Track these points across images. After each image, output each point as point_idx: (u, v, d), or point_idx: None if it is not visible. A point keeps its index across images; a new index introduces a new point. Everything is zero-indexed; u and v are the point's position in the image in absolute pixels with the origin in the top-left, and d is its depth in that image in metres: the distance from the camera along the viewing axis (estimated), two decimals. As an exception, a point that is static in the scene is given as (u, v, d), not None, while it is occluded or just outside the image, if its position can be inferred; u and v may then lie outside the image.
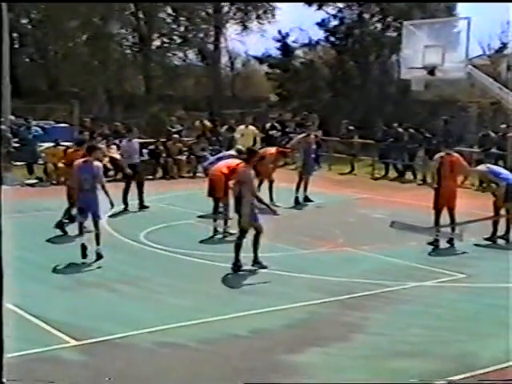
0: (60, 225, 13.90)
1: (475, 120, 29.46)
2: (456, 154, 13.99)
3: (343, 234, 14.10)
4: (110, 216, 15.37)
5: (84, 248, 11.72)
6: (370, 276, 11.20)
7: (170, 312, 9.39)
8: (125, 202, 16.77)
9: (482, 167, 14.48)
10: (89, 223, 12.16)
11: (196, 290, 10.47)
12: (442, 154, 13.99)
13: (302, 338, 8.53)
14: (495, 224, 13.76)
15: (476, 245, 13.42)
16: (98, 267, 11.62)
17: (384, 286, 10.66)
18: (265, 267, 11.29)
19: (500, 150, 21.54)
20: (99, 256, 11.83)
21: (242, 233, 11.26)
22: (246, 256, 11.48)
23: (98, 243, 11.90)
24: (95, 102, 33.97)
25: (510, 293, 9.93)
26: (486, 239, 13.65)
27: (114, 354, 7.93)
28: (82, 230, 12.10)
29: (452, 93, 32.07)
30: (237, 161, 13.34)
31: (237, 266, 11.25)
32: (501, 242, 13.73)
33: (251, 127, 23.93)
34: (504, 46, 37.81)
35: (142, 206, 17.07)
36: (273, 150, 18.23)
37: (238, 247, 11.23)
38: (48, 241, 13.29)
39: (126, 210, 16.71)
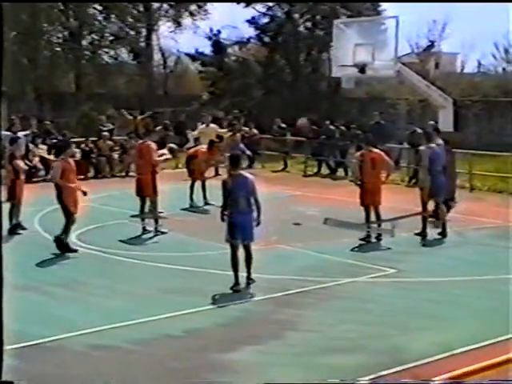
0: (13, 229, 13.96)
1: (404, 117, 29.98)
2: (377, 151, 14.04)
3: (276, 232, 14.14)
4: (41, 217, 15.18)
5: None
6: (303, 273, 11.29)
7: (103, 314, 9.29)
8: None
9: (425, 148, 14.01)
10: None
11: (129, 291, 10.38)
12: (363, 151, 14.13)
13: (236, 337, 8.55)
14: (424, 219, 13.98)
15: (407, 240, 13.62)
16: (30, 270, 11.41)
17: (317, 283, 10.76)
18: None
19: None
20: None
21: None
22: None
23: None
24: (23, 100, 33.31)
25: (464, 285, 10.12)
26: (417, 234, 13.87)
27: (45, 357, 7.81)
28: None
29: (381, 90, 32.59)
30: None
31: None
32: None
33: (212, 125, 22.41)
34: (432, 44, 38.66)
35: None
36: (204, 148, 18.17)
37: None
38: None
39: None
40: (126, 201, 16.98)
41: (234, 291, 10.23)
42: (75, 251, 12.47)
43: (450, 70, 39.25)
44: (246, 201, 10.27)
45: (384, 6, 37.24)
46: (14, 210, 14.04)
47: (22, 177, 14.46)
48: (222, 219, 10.58)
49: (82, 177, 22.58)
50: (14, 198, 14.06)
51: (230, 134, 19.33)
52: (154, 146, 14.73)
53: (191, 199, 17.17)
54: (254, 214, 10.36)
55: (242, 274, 10.44)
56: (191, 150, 18.62)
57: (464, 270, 11.50)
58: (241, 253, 10.44)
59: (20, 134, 19.24)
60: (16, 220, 14.09)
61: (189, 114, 30.49)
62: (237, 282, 10.32)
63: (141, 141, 15.36)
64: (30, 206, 14.78)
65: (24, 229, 14.15)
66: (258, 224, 10.45)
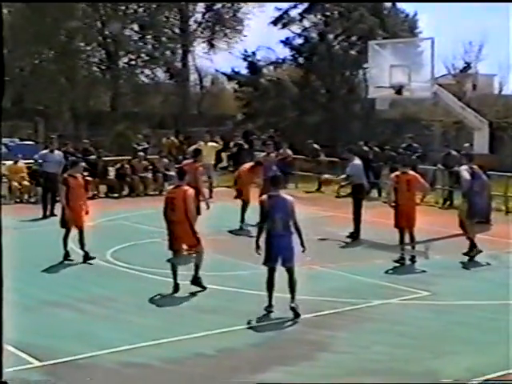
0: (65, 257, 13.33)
1: (439, 138, 29.81)
2: (412, 173, 14.03)
3: (310, 252, 14.05)
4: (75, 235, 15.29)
5: None
6: (336, 294, 11.24)
7: (136, 331, 9.33)
8: (44, 208, 18.52)
9: (466, 174, 14.01)
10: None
11: (161, 309, 10.44)
12: (397, 172, 14.07)
13: (268, 357, 8.53)
14: (469, 238, 13.81)
15: (441, 262, 13.51)
16: (63, 287, 11.52)
17: (350, 304, 10.71)
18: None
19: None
20: None
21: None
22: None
23: None
24: (60, 119, 33.75)
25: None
26: (467, 254, 13.68)
27: (78, 374, 7.86)
28: None
29: (416, 111, 32.47)
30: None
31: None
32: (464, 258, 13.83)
33: (210, 144, 23.23)
34: (468, 65, 38.51)
35: (52, 213, 18.27)
36: (247, 166, 17.96)
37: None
38: (10, 260, 13.09)
39: (44, 216, 18.37)
40: (159, 219, 17.04)
41: (266, 312, 10.17)
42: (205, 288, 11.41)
43: (487, 92, 38.97)
44: (284, 222, 10.00)
45: (420, 28, 37.41)
46: (67, 239, 13.41)
47: (74, 203, 13.43)
48: (257, 250, 10.24)
49: (117, 195, 22.85)
50: (64, 224, 13.41)
51: (265, 154, 19.36)
52: (201, 168, 14.95)
53: (242, 221, 16.98)
54: (294, 237, 10.10)
55: (277, 294, 10.39)
56: (237, 172, 18.46)
57: (497, 294, 11.34)
58: (278, 276, 10.32)
59: (56, 152, 19.62)
60: (66, 248, 13.41)
61: (223, 134, 30.63)
62: (270, 304, 10.19)
63: (188, 161, 15.53)
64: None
65: (69, 259, 13.44)
66: (304, 250, 10.15)
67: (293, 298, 10.13)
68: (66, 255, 13.33)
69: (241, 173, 17.68)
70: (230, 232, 16.64)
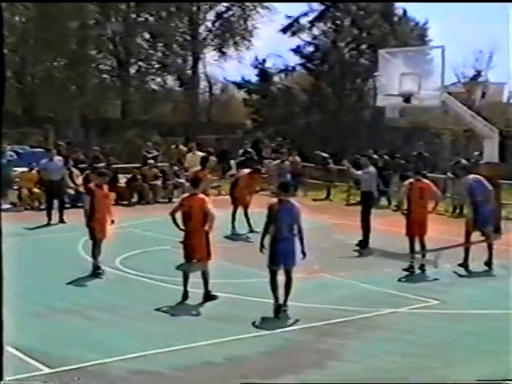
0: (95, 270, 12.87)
1: (448, 147, 29.77)
2: (426, 181, 14.09)
3: (319, 260, 14.09)
4: (86, 241, 15.33)
5: None
6: (345, 302, 11.22)
7: (145, 339, 9.33)
8: (48, 215, 18.45)
9: (466, 180, 14.21)
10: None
11: (171, 317, 10.44)
12: (411, 180, 14.09)
13: (278, 365, 8.51)
14: (466, 250, 13.85)
15: (450, 271, 13.47)
16: (73, 294, 11.54)
17: (359, 313, 10.69)
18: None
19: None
20: None
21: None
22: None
23: None
24: (70, 126, 33.82)
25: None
26: (460, 265, 13.72)
27: (88, 381, 7.85)
28: None
29: (426, 120, 32.41)
30: None
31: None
32: (483, 268, 13.79)
33: (198, 153, 22.86)
34: (478, 73, 38.41)
35: (60, 220, 18.48)
36: (245, 171, 18.24)
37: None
38: (20, 267, 13.12)
39: (48, 223, 18.29)
40: (168, 227, 17.05)
41: (276, 309, 10.29)
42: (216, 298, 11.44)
43: (497, 100, 38.85)
44: (290, 227, 10.38)
45: (430, 36, 37.38)
46: (96, 251, 13.09)
47: (100, 214, 13.17)
48: (261, 249, 10.56)
49: (126, 202, 22.87)
50: (93, 236, 13.12)
51: (279, 161, 19.47)
52: (210, 176, 15.04)
53: (233, 227, 17.21)
54: (296, 240, 10.37)
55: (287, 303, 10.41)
56: (233, 178, 18.85)
57: (507, 303, 11.29)
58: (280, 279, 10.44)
59: (56, 158, 19.86)
60: (96, 261, 13.05)
61: (232, 142, 30.64)
62: (276, 301, 10.41)
63: (197, 168, 15.64)
64: (74, 230, 14.94)
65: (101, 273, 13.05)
66: (304, 256, 10.44)
67: (286, 300, 10.47)
68: (97, 269, 12.89)
69: (238, 180, 17.90)
70: (237, 240, 16.66)
